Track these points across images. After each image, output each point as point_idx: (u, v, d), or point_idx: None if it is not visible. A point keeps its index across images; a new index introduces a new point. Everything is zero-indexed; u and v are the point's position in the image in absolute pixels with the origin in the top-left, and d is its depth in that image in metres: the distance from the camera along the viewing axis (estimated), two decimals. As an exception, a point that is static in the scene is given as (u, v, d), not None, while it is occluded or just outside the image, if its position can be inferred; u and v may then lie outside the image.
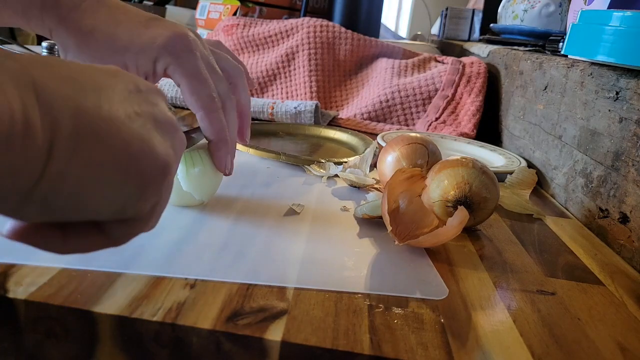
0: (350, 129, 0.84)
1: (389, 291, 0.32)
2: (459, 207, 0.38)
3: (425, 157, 0.49)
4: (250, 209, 0.44)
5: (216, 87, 0.39)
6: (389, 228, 0.38)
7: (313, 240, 0.39)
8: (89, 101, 0.19)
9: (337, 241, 0.40)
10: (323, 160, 0.57)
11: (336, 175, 0.56)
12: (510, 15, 1.01)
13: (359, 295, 0.32)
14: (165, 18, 1.59)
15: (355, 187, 0.53)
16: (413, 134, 0.52)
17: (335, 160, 0.58)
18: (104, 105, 0.20)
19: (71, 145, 0.18)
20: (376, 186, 0.53)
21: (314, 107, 0.78)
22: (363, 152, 0.62)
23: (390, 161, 0.50)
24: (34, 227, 0.21)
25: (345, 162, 0.57)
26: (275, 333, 0.27)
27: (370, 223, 0.44)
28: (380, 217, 0.42)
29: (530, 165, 0.66)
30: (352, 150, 0.69)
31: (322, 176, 0.55)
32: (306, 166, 0.56)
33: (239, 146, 0.59)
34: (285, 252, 0.36)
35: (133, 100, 0.22)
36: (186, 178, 0.39)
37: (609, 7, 0.58)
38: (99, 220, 0.22)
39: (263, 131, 0.74)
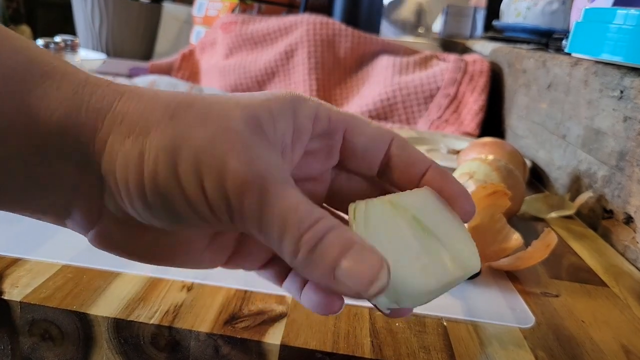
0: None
1: (477, 317, 0.31)
2: (545, 229, 0.35)
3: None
4: None
5: None
6: None
7: None
8: None
9: None
10: None
11: None
12: (512, 12, 1.00)
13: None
14: (162, 15, 1.55)
15: None
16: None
17: None
18: None
19: None
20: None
21: (314, 105, 0.78)
22: None
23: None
24: None
25: None
26: (274, 336, 0.26)
27: None
28: None
29: (533, 164, 0.65)
30: None
31: None
32: None
33: None
34: None
35: None
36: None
37: (613, 5, 0.57)
38: None
39: None
